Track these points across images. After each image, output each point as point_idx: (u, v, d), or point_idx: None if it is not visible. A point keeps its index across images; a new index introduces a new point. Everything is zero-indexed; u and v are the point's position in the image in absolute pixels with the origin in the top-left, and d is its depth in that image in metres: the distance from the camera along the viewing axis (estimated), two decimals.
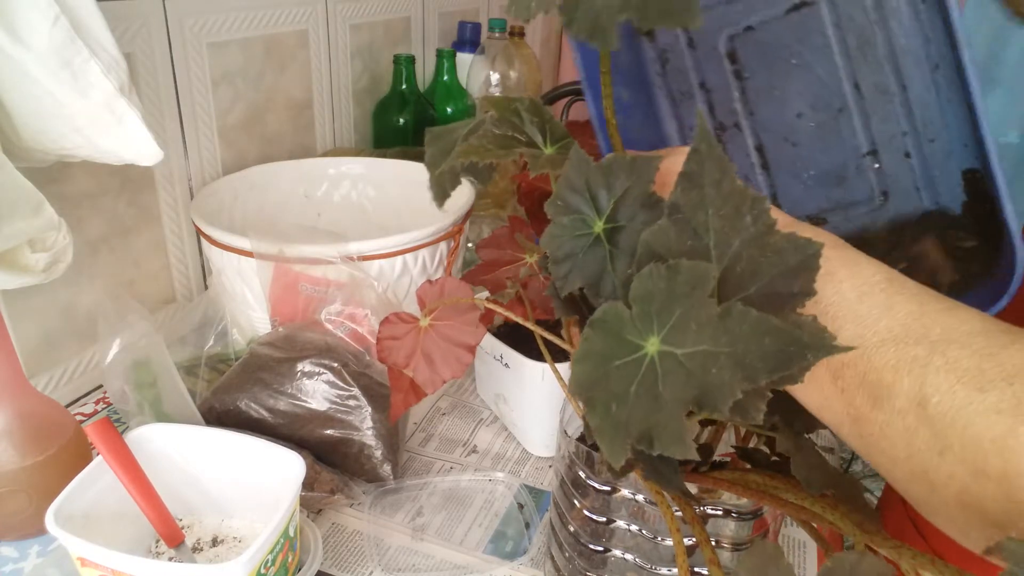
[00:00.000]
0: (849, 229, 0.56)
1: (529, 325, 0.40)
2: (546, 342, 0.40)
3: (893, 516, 0.83)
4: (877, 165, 0.54)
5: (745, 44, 0.56)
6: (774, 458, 0.36)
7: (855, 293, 0.29)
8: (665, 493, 0.33)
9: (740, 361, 0.24)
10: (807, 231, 0.33)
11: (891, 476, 0.28)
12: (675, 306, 0.25)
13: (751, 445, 0.39)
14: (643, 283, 0.26)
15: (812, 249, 0.27)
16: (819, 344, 0.23)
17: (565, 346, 0.38)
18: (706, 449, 0.38)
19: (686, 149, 0.40)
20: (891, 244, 0.54)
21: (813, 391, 0.30)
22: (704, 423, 0.38)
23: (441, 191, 0.41)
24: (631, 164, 0.32)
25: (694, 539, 0.39)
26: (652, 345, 0.26)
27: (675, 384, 0.25)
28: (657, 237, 0.29)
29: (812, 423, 0.33)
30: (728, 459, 0.39)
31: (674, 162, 0.39)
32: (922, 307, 0.28)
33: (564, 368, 0.48)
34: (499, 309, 0.40)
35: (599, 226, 0.32)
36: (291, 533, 0.45)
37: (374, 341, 0.46)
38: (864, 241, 0.56)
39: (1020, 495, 0.22)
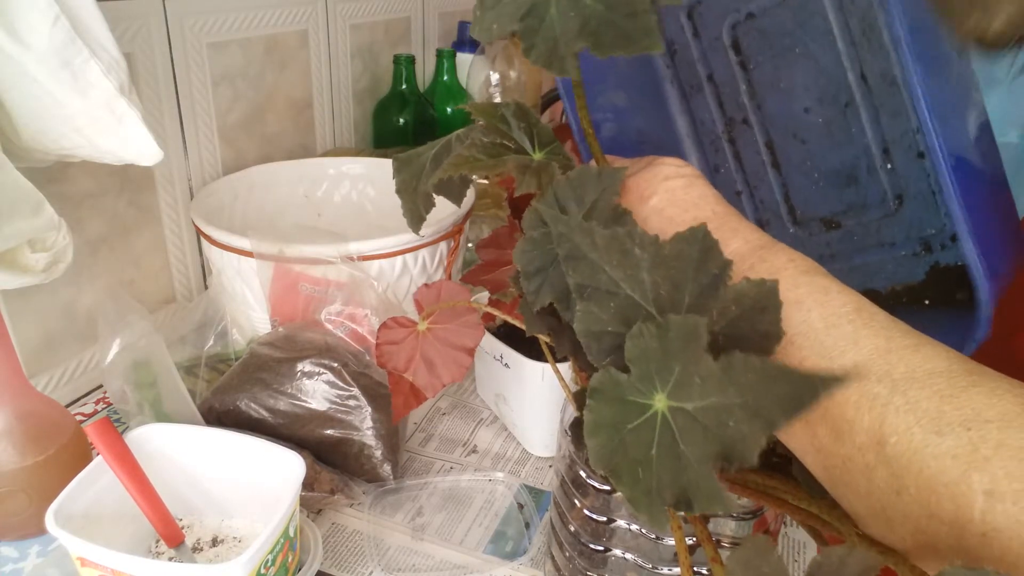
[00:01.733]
0: (866, 237, 0.54)
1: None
2: (547, 342, 0.40)
3: None
4: (889, 165, 0.51)
5: (748, 33, 0.54)
6: (774, 459, 0.36)
7: (822, 323, 0.29)
8: None
9: (755, 411, 0.23)
10: (780, 254, 0.32)
11: (852, 510, 0.27)
12: (673, 362, 0.25)
13: None
14: (636, 343, 0.26)
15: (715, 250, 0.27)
16: (828, 380, 0.23)
17: None
18: None
19: (663, 159, 0.40)
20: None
21: None
22: None
23: (417, 215, 0.41)
24: (598, 176, 0.32)
25: (695, 538, 0.39)
26: (660, 402, 0.25)
27: (695, 441, 0.24)
28: (587, 321, 0.28)
29: None
30: None
31: (655, 173, 0.38)
32: (889, 343, 0.27)
33: (564, 368, 0.48)
34: (499, 312, 0.40)
35: None
36: (291, 533, 0.45)
37: (374, 341, 0.46)
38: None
39: (970, 540, 0.22)
